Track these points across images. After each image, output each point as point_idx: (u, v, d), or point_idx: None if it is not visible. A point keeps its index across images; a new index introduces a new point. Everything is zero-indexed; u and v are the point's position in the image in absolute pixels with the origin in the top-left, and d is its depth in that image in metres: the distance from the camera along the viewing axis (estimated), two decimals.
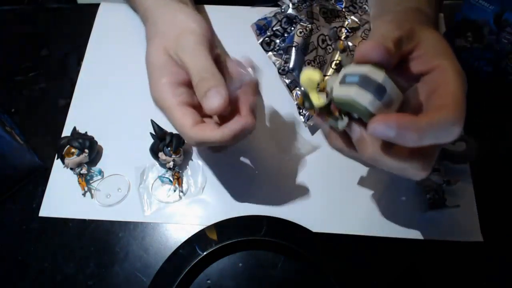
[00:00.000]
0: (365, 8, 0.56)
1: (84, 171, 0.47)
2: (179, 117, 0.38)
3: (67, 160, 0.47)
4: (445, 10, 0.59)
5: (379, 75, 0.30)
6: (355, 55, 0.32)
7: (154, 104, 0.41)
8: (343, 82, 0.31)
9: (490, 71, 0.51)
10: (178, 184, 0.48)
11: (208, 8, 0.59)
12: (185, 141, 0.44)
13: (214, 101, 0.37)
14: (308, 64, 0.51)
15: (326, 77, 0.35)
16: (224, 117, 0.40)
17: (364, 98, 0.29)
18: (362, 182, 0.48)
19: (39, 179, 0.49)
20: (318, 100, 0.34)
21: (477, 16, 0.46)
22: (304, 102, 0.35)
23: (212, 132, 0.37)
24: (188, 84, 0.40)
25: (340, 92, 0.31)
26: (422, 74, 0.34)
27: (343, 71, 0.32)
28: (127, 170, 0.49)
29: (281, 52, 0.52)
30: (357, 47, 0.31)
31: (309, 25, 0.51)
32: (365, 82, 0.29)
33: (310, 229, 0.44)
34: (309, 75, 0.34)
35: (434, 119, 0.30)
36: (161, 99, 0.39)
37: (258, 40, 0.54)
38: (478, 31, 0.47)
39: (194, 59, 0.39)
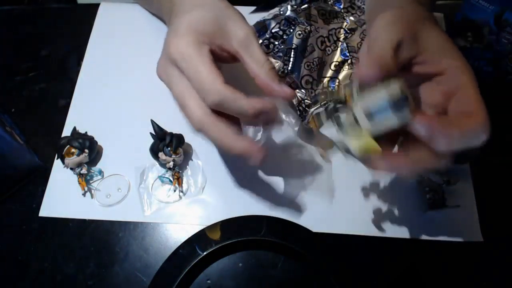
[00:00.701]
0: (364, 8, 0.56)
1: (84, 171, 0.47)
2: (212, 71, 0.36)
3: (67, 160, 0.47)
4: (445, 10, 0.59)
5: (395, 90, 0.30)
6: (355, 76, 0.32)
7: (170, 57, 0.37)
8: (371, 119, 0.31)
9: (490, 71, 0.51)
10: (178, 184, 0.48)
11: None
12: (206, 97, 0.36)
13: (288, 89, 0.38)
14: (308, 66, 0.51)
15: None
16: None
17: (403, 118, 0.30)
18: (362, 182, 0.48)
19: (39, 179, 0.49)
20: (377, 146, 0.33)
21: (477, 16, 0.46)
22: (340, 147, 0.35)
23: (241, 97, 0.36)
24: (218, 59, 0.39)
25: (380, 127, 0.31)
26: (432, 75, 0.35)
27: (361, 107, 0.31)
28: (127, 170, 0.49)
29: (280, 54, 0.52)
30: (355, 68, 0.31)
31: (308, 27, 0.51)
32: (396, 108, 0.30)
33: (310, 229, 0.45)
34: (370, 148, 0.33)
35: (466, 127, 0.31)
36: (190, 50, 0.37)
37: None
38: (478, 31, 0.47)
39: (259, 49, 0.39)
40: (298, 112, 0.50)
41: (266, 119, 0.38)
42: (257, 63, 0.39)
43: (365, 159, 0.34)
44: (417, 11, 0.37)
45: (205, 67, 0.36)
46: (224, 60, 0.41)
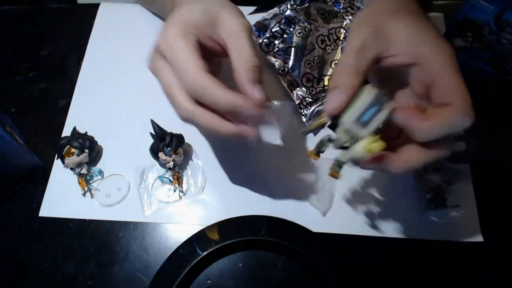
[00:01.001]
0: (363, 8, 0.56)
1: (84, 171, 0.47)
2: (194, 59, 0.35)
3: (67, 160, 0.47)
4: (445, 10, 0.59)
5: (370, 89, 0.33)
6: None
7: (158, 49, 0.37)
8: (363, 123, 0.33)
9: (490, 71, 0.51)
10: (178, 184, 0.48)
11: None
12: (184, 85, 0.36)
13: (261, 94, 0.37)
14: (308, 64, 0.51)
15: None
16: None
17: (388, 111, 0.33)
18: (362, 182, 0.48)
19: (39, 179, 0.49)
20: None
21: (477, 16, 0.46)
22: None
23: (218, 89, 0.35)
24: (207, 52, 0.38)
25: (373, 126, 0.33)
26: (407, 65, 0.35)
27: (350, 119, 0.33)
28: (127, 170, 0.49)
29: (281, 53, 0.52)
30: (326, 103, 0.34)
31: (308, 26, 0.51)
32: (380, 102, 0.33)
33: (310, 229, 0.45)
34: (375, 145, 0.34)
35: (444, 118, 0.32)
36: (176, 38, 0.36)
37: (256, 41, 0.54)
38: (478, 31, 0.47)
39: (248, 43, 0.38)
40: (300, 110, 0.50)
41: (248, 119, 0.37)
42: (240, 57, 0.37)
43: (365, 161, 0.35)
44: (392, 3, 0.37)
45: (187, 55, 0.36)
46: (217, 53, 0.40)
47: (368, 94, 0.32)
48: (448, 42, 0.34)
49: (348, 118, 0.33)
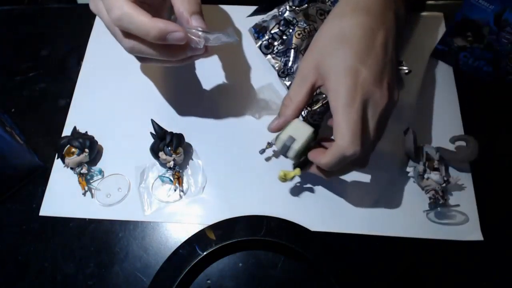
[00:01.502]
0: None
1: (84, 170, 0.47)
2: None
3: (67, 159, 0.47)
4: (445, 10, 0.59)
5: (284, 136, 0.41)
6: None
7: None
8: (284, 152, 0.42)
9: (490, 71, 0.51)
10: (179, 184, 0.48)
11: (205, 8, 0.59)
12: (109, 13, 0.37)
13: (199, 22, 0.39)
14: None
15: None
16: None
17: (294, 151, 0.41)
18: (362, 181, 0.48)
19: (39, 179, 0.49)
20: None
21: (477, 16, 0.46)
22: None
23: (143, 14, 0.35)
24: None
25: (290, 155, 0.41)
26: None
27: (278, 146, 0.42)
28: (127, 170, 0.49)
29: (280, 55, 0.52)
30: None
31: (307, 27, 0.51)
32: (286, 148, 0.41)
33: (310, 228, 0.45)
34: (284, 175, 0.44)
35: (331, 155, 0.37)
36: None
37: (256, 43, 0.54)
38: (478, 31, 0.47)
39: None
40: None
41: (182, 50, 0.38)
42: None
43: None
44: (332, 31, 0.40)
45: None
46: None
47: (290, 128, 0.40)
48: (353, 72, 0.37)
49: (276, 143, 0.41)
